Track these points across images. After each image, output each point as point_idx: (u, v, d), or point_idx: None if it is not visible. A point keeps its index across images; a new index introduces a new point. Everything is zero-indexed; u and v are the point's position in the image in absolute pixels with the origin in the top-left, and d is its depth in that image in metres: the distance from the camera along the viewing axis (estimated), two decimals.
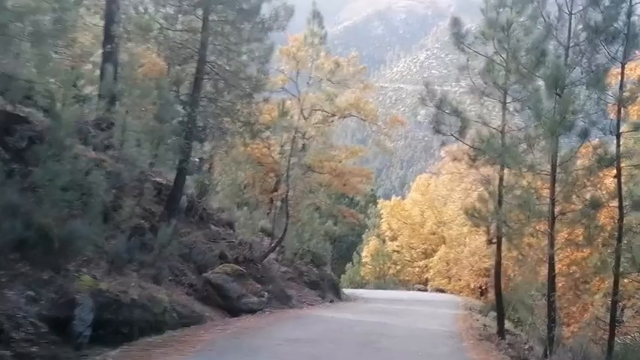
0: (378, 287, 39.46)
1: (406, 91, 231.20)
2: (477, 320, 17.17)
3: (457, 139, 14.35)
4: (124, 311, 10.11)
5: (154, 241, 14.38)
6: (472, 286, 32.46)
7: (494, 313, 20.24)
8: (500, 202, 13.84)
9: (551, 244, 11.79)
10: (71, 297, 9.13)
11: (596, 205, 11.46)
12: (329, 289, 23.61)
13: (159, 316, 11.57)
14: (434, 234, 43.67)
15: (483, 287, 32.34)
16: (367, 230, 48.73)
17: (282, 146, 21.51)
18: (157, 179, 18.55)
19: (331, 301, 21.34)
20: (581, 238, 12.34)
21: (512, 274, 32.24)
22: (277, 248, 21.34)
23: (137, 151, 14.31)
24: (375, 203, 50.39)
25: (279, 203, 23.46)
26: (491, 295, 32.18)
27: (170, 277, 14.77)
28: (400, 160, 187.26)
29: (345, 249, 51.00)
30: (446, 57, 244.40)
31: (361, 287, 40.90)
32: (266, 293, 15.44)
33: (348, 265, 46.62)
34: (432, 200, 42.36)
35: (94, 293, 9.70)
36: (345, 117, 27.21)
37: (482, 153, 13.83)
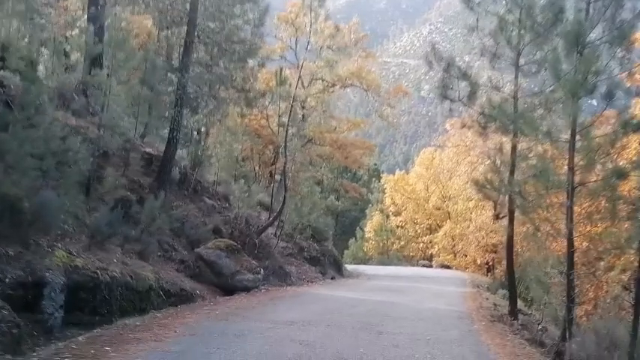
0: (381, 263, 38.66)
1: (409, 65, 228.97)
2: (487, 299, 16.30)
3: (465, 105, 13.29)
4: (102, 290, 9.22)
5: (142, 215, 13.50)
6: (479, 262, 31.61)
7: (503, 291, 19.42)
8: (512, 173, 12.82)
9: (570, 218, 10.79)
10: (40, 274, 8.20)
11: (620, 174, 10.42)
12: (330, 266, 22.76)
13: (143, 295, 10.70)
14: (439, 209, 42.72)
15: (490, 263, 31.49)
16: (370, 205, 47.87)
17: (280, 116, 20.42)
18: (148, 150, 17.59)
19: (332, 278, 20.49)
20: (602, 210, 11.31)
21: (521, 250, 31.38)
22: (276, 223, 20.44)
23: (121, 117, 13.33)
24: (379, 178, 49.42)
25: (278, 177, 22.49)
26: (498, 271, 31.37)
27: (159, 253, 13.89)
28: (404, 136, 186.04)
29: (348, 224, 50.24)
30: (450, 31, 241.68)
31: (364, 263, 40.10)
32: (262, 270, 14.55)
33: (351, 240, 45.82)
34: (437, 174, 41.27)
35: (68, 271, 8.77)
36: (346, 87, 26.11)
37: (494, 120, 12.78)
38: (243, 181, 23.74)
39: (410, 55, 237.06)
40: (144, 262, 12.25)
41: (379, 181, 48.45)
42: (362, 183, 53.42)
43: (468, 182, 32.42)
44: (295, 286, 16.84)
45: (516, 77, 13.33)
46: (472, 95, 12.96)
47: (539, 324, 13.95)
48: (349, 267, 28.95)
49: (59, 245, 9.67)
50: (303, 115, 25.96)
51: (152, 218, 13.59)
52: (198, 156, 20.05)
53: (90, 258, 9.81)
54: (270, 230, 20.25)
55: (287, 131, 19.27)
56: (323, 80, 25.47)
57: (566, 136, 11.25)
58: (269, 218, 20.44)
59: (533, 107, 12.01)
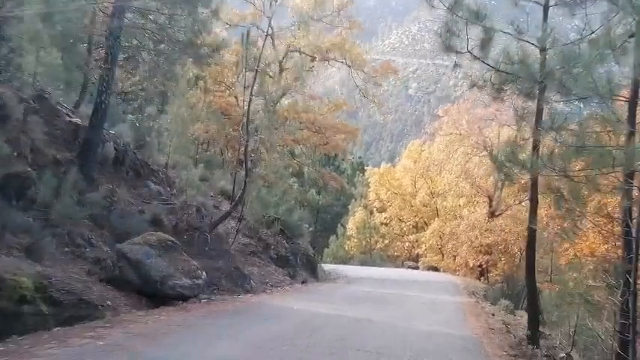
0: (363, 263, 35.51)
1: (397, 63, 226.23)
2: (492, 315, 12.95)
3: (476, 58, 9.97)
4: None
5: (38, 197, 10.14)
6: (471, 264, 28.38)
7: (505, 302, 16.29)
8: (536, 148, 9.54)
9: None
10: None
11: None
12: (303, 267, 19.44)
13: (8, 311, 7.34)
14: (426, 206, 39.56)
15: (484, 266, 28.28)
16: (353, 200, 44.54)
17: (245, 88, 16.96)
18: (75, 120, 14.18)
19: (303, 282, 17.18)
20: None
21: (517, 252, 28.27)
22: (239, 216, 17.08)
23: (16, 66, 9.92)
24: (363, 171, 46.07)
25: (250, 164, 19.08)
26: (493, 275, 28.22)
27: (66, 249, 10.50)
28: (390, 134, 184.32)
29: (330, 220, 46.87)
30: (438, 29, 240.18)
31: (345, 263, 36.95)
32: (204, 273, 11.13)
33: (332, 238, 42.43)
34: (426, 168, 38.02)
35: None
36: (326, 60, 22.70)
37: (514, 78, 9.49)
38: (202, 165, 20.44)
39: (398, 53, 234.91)
40: (32, 260, 8.88)
41: (363, 175, 45.09)
42: (345, 177, 50.19)
43: (460, 175, 29.30)
44: (253, 294, 13.49)
45: (545, 20, 10.06)
46: (486, 44, 9.66)
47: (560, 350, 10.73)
48: (328, 267, 25.74)
49: None
50: (277, 92, 22.55)
51: (60, 202, 10.30)
52: (143, 132, 16.72)
53: None
54: (231, 223, 16.88)
55: (249, 103, 15.85)
56: (300, 53, 22.09)
57: (623, 95, 7.98)
58: (229, 209, 17.02)
59: (572, 57, 8.68)
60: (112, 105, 15.22)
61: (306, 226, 45.78)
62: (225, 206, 17.76)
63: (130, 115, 15.92)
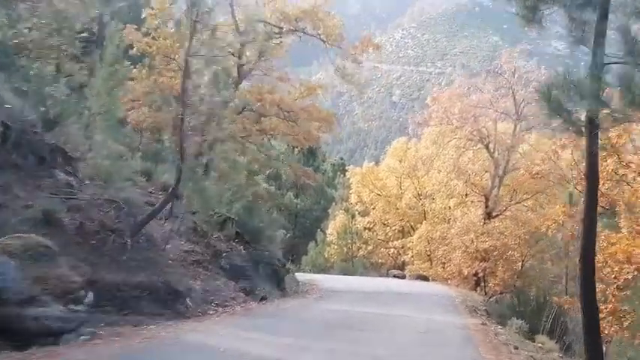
0: (344, 272, 31.90)
1: (381, 70, 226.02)
2: (516, 348, 9.23)
3: None
4: None
5: None
6: (465, 272, 24.82)
7: (518, 321, 12.70)
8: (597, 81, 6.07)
9: None
10: None
11: None
12: (265, 279, 15.78)
13: None
14: (413, 208, 36.01)
15: (480, 274, 24.72)
16: (334, 204, 40.87)
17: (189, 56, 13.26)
18: None
19: (263, 299, 13.52)
20: None
21: (518, 258, 24.80)
22: (180, 215, 13.43)
23: None
24: (344, 172, 42.45)
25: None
26: (492, 285, 24.73)
27: None
28: (374, 140, 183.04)
29: (309, 225, 43.41)
30: (422, 36, 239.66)
31: (325, 272, 33.33)
32: (89, 294, 7.48)
33: (311, 244, 38.67)
34: (412, 168, 34.45)
35: None
36: (296, 31, 19.07)
37: None
38: (144, 156, 16.85)
39: (382, 60, 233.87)
40: None
41: (344, 176, 41.48)
42: (326, 178, 46.57)
43: (452, 172, 25.84)
44: (187, 318, 9.88)
45: None
46: None
47: None
48: (304, 277, 22.20)
49: None
50: (238, 74, 18.97)
51: None
52: (56, 108, 13.06)
53: None
54: (169, 225, 13.21)
55: (186, 64, 12.21)
56: (265, 23, 18.52)
57: None
58: (171, 207, 13.31)
59: None
60: None
61: (283, 231, 42.20)
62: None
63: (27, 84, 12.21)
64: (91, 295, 7.39)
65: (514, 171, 25.75)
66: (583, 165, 16.04)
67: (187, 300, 10.97)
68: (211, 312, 11.12)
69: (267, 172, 41.45)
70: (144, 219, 11.33)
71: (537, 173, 18.75)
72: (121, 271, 10.03)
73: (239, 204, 13.54)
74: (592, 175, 7.71)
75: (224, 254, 13.90)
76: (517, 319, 12.90)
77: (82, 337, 6.85)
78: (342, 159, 56.26)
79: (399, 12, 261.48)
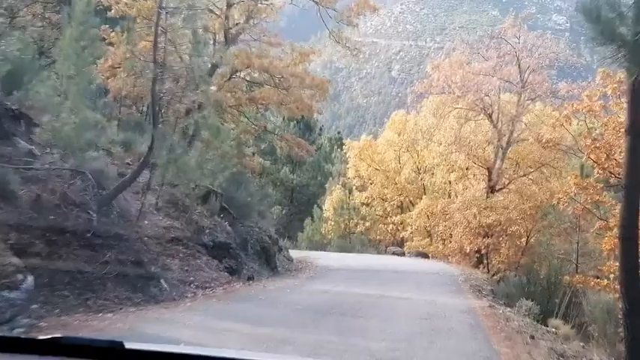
0: (341, 249, 30.76)
1: (380, 45, 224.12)
2: (532, 338, 8.08)
3: None
4: None
5: None
6: (467, 249, 23.67)
7: (527, 302, 11.63)
8: None
9: None
10: None
11: None
12: (254, 257, 14.72)
13: None
14: (412, 183, 34.83)
15: (483, 251, 23.58)
16: (331, 179, 39.61)
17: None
18: None
19: (250, 279, 12.44)
20: None
21: (523, 234, 23.68)
22: (158, 187, 12.27)
23: None
24: (341, 147, 41.14)
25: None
26: (496, 262, 23.66)
27: None
28: (373, 116, 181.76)
29: (306, 201, 42.11)
30: (421, 11, 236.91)
31: (322, 249, 32.22)
32: (28, 278, 6.29)
33: (307, 221, 37.45)
34: (412, 141, 33.12)
35: None
36: None
37: None
38: (117, 123, 15.67)
39: (381, 35, 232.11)
40: None
41: (342, 150, 40.16)
42: (322, 154, 45.30)
43: (453, 144, 24.59)
44: (159, 302, 8.76)
45: None
46: None
47: None
48: (299, 255, 21.17)
49: None
50: (225, 38, 17.63)
51: None
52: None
53: None
54: (148, 198, 12.03)
55: (158, 15, 10.91)
56: None
57: None
58: (150, 179, 12.10)
59: None
60: None
61: (278, 207, 41.05)
62: (145, 177, 12.85)
63: None
64: (30, 280, 6.21)
65: (518, 142, 24.51)
66: (597, 132, 14.93)
67: (162, 281, 9.85)
68: (189, 295, 10.02)
69: (263, 146, 40.40)
70: (111, 192, 10.13)
71: (548, 141, 17.49)
72: (85, 249, 8.89)
73: (223, 176, 12.30)
74: (636, 127, 6.38)
75: (207, 230, 12.73)
76: (526, 299, 11.81)
77: (16, 330, 5.70)
78: (339, 133, 54.88)
79: None
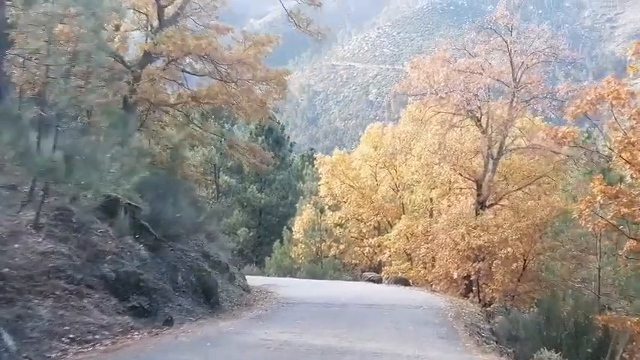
0: (312, 275, 27.57)
1: (357, 69, 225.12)
2: None
3: None
4: None
5: None
6: (455, 275, 20.30)
7: (548, 354, 8.26)
8: None
9: None
10: None
11: None
12: (185, 291, 11.25)
13: None
14: (390, 201, 31.57)
15: (473, 277, 20.22)
16: (302, 198, 36.30)
17: None
18: None
19: (166, 323, 8.94)
20: None
21: (519, 256, 20.30)
22: (36, 195, 8.81)
23: None
24: (313, 163, 37.83)
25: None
26: (489, 291, 20.34)
27: None
28: (351, 140, 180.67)
29: (276, 223, 38.75)
30: (397, 35, 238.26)
31: (291, 274, 28.91)
32: None
33: (276, 244, 33.96)
34: (389, 156, 29.86)
35: None
36: None
37: None
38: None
39: (358, 59, 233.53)
40: None
41: (313, 167, 36.85)
42: (294, 172, 41.98)
43: (437, 152, 21.37)
44: None
45: None
46: None
47: None
48: (262, 282, 18.47)
49: None
50: (159, 18, 14.38)
51: None
52: None
53: None
54: (33, 213, 8.60)
55: None
56: None
57: None
58: (31, 187, 8.65)
59: None
60: None
61: (245, 228, 37.39)
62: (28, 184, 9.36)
63: None
64: None
65: (511, 151, 21.39)
66: (627, 125, 11.89)
67: (5, 338, 6.38)
68: (53, 355, 6.57)
69: (230, 164, 36.93)
70: None
71: (562, 139, 14.18)
72: None
73: (129, 181, 8.87)
74: None
75: (109, 257, 9.25)
76: (547, 349, 8.49)
77: None
78: (311, 149, 51.74)
79: (373, 11, 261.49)
